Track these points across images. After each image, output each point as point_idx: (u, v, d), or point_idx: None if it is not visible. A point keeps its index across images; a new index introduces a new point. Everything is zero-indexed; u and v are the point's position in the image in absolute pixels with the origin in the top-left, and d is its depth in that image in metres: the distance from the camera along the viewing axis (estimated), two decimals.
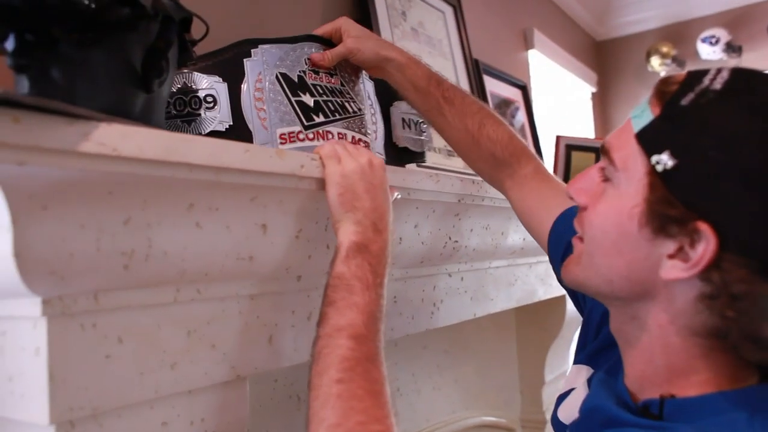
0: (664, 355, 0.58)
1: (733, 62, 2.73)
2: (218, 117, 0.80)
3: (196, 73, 0.80)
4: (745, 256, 0.51)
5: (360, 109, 0.90)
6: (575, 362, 0.79)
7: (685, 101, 0.53)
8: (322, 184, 0.69)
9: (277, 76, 0.82)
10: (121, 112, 0.61)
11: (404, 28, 1.38)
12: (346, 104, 0.88)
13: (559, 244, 0.83)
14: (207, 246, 0.62)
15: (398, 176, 0.79)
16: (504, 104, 1.85)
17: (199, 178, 0.57)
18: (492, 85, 1.72)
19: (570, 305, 1.66)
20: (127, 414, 0.58)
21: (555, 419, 0.76)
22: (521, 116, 1.91)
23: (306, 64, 0.86)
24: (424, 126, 1.06)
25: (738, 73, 0.53)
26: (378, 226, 0.69)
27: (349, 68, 0.93)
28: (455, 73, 1.54)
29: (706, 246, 0.51)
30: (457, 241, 1.02)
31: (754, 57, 2.69)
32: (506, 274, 1.29)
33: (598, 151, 1.47)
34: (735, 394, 0.55)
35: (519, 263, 1.34)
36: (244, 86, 0.81)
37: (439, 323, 1.04)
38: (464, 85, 1.57)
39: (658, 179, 0.53)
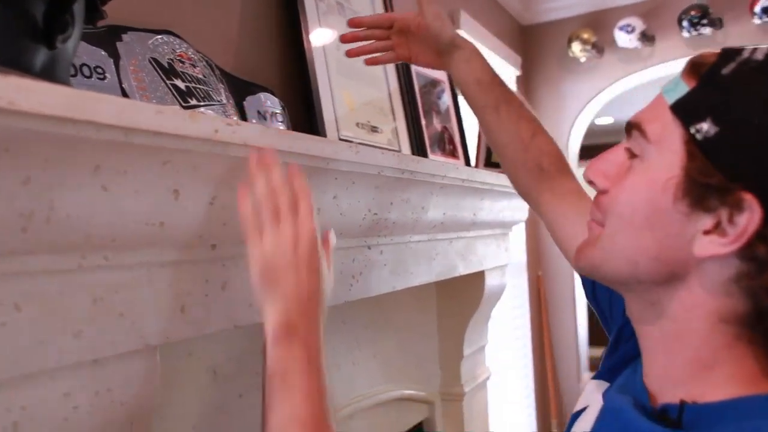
0: (686, 346, 0.54)
1: (647, 50, 2.86)
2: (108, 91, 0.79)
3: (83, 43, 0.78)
4: None
5: (221, 99, 0.92)
6: (594, 377, 0.74)
7: (726, 70, 0.51)
8: (237, 149, 0.68)
9: (149, 60, 0.82)
10: (20, 67, 0.58)
11: (329, 1, 1.37)
12: (211, 93, 0.90)
13: None
14: (114, 211, 0.59)
15: (317, 146, 0.79)
16: (431, 85, 1.86)
17: (107, 138, 0.54)
18: None
19: (489, 279, 1.72)
20: (26, 384, 0.56)
21: None
22: (446, 98, 1.93)
23: (172, 53, 0.88)
24: (280, 118, 1.07)
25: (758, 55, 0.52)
26: (303, 304, 0.65)
27: (207, 64, 0.96)
28: None
29: (749, 217, 0.48)
30: (376, 214, 1.03)
31: (665, 47, 2.82)
32: (426, 248, 1.31)
33: None
34: (760, 400, 0.51)
35: (439, 238, 1.37)
36: (122, 65, 0.80)
37: (357, 295, 1.05)
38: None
39: (697, 148, 0.51)
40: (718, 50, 0.54)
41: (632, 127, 0.57)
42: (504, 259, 1.80)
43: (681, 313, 0.54)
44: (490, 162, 1.86)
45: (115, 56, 0.79)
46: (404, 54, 1.00)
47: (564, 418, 3.16)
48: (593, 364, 3.45)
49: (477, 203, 1.45)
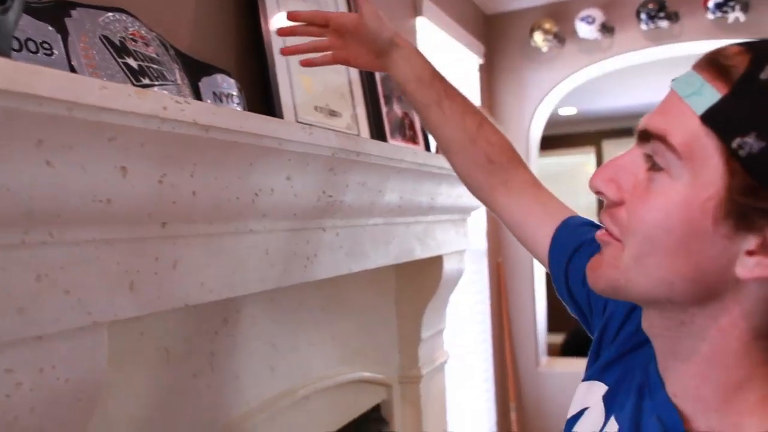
0: (720, 366, 0.52)
1: (607, 41, 2.92)
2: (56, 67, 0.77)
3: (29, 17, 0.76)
4: None
5: (175, 80, 0.92)
6: (585, 379, 0.72)
7: (765, 75, 0.46)
8: (187, 127, 0.68)
9: (100, 38, 0.82)
10: None
11: None
12: (165, 72, 0.90)
13: (563, 253, 0.80)
14: (59, 186, 0.59)
15: (268, 125, 0.79)
16: None
17: (49, 112, 0.54)
18: None
19: (447, 264, 1.74)
20: None
21: None
22: None
23: (124, 30, 0.87)
24: (237, 100, 1.07)
25: None
26: None
27: (161, 44, 0.95)
28: None
29: None
30: (331, 196, 1.04)
31: (625, 38, 2.88)
32: (383, 231, 1.32)
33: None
34: None
35: (397, 222, 1.38)
36: (71, 41, 0.79)
37: (312, 277, 1.06)
38: None
39: (740, 165, 0.46)
40: (738, 46, 0.49)
41: (652, 137, 0.51)
42: (462, 245, 1.83)
43: (715, 333, 0.52)
44: None
45: (64, 32, 0.78)
46: (341, 56, 0.97)
47: (523, 401, 3.23)
48: (551, 350, 3.54)
49: (434, 188, 1.47)
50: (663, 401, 0.57)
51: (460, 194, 1.66)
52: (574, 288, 0.81)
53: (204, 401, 1.05)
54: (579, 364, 3.55)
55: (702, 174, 0.48)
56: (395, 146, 1.16)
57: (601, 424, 0.65)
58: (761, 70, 0.46)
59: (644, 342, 0.65)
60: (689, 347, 0.53)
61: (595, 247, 0.66)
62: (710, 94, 0.48)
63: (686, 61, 3.53)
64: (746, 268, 0.48)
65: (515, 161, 0.91)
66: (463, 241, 1.83)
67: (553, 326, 5.69)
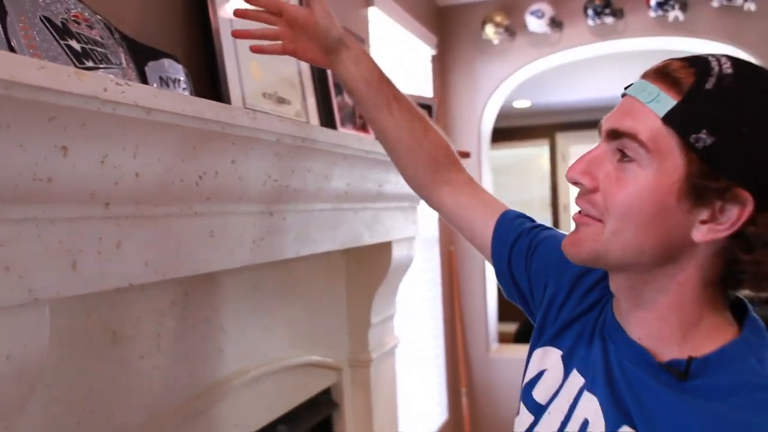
0: (678, 311, 0.66)
1: (556, 36, 3.00)
2: None
3: None
4: (764, 206, 0.60)
5: (120, 63, 0.93)
6: (536, 347, 0.82)
7: (709, 85, 0.60)
8: (128, 109, 0.70)
9: (40, 19, 0.82)
10: None
11: None
12: (109, 55, 0.90)
13: (505, 242, 0.90)
14: None
15: (210, 109, 0.81)
16: None
17: None
18: None
19: (396, 250, 1.78)
20: None
21: (530, 402, 0.79)
22: None
23: (66, 12, 0.87)
24: (183, 85, 1.09)
25: (737, 59, 0.63)
26: None
27: (106, 26, 0.95)
28: None
29: (743, 208, 0.60)
30: (277, 181, 1.06)
31: (572, 33, 2.97)
32: (331, 217, 1.35)
33: (430, 108, 1.63)
34: (738, 343, 0.64)
35: (344, 208, 1.41)
36: (9, 21, 0.79)
37: (258, 259, 1.09)
38: None
39: (696, 156, 0.60)
40: (680, 61, 0.63)
41: (622, 135, 0.63)
42: (411, 232, 1.87)
43: (675, 287, 0.66)
44: None
45: (2, 12, 0.78)
46: (290, 47, 0.99)
47: (474, 387, 3.31)
48: (505, 340, 3.63)
49: (382, 175, 1.50)
50: (628, 343, 0.70)
51: None
52: (517, 272, 0.90)
53: (152, 383, 1.07)
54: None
55: (666, 163, 0.62)
56: (341, 133, 1.19)
57: (561, 381, 0.76)
58: (706, 82, 0.60)
59: (590, 308, 0.79)
60: (651, 299, 0.68)
61: (533, 236, 0.89)
62: (666, 101, 0.61)
63: (631, 56, 3.65)
64: (700, 233, 0.62)
65: (456, 162, 0.99)
66: (412, 228, 1.88)
67: (506, 316, 5.82)
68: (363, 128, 1.88)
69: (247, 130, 0.90)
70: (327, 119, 1.65)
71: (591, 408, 0.71)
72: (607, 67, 4.34)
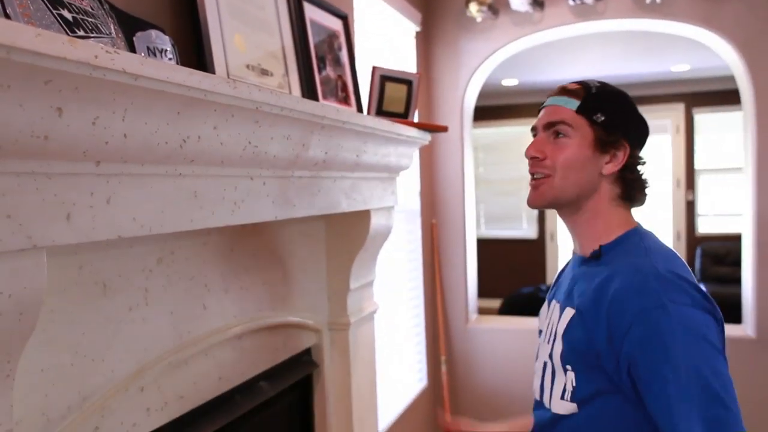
0: (599, 220, 1.11)
1: (538, 15, 3.06)
2: None
3: None
4: (635, 147, 1.11)
5: (110, 33, 0.99)
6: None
7: (594, 90, 1.11)
8: (117, 75, 0.77)
9: None
10: None
11: None
12: (99, 25, 0.97)
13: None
14: None
15: (192, 78, 0.88)
16: (330, 37, 1.96)
17: None
18: (312, 12, 1.82)
19: (375, 219, 1.87)
20: None
21: (539, 333, 1.23)
22: (344, 50, 2.03)
23: None
24: (170, 55, 1.16)
25: (601, 82, 1.14)
26: None
27: None
28: None
29: (624, 150, 1.09)
30: (257, 147, 1.14)
31: (553, 13, 3.03)
32: (309, 184, 1.43)
33: (410, 83, 1.81)
34: (631, 231, 1.10)
35: (323, 176, 1.49)
36: None
37: (239, 220, 1.17)
38: (283, 10, 1.65)
39: (598, 126, 1.08)
40: (575, 83, 1.14)
41: (557, 123, 1.09)
42: (390, 202, 1.95)
43: (594, 205, 1.11)
44: (381, 110, 1.98)
45: None
46: None
47: (453, 356, 3.43)
48: (484, 313, 3.74)
49: (360, 145, 1.58)
50: (576, 258, 1.17)
51: (387, 154, 1.78)
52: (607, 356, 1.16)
53: (139, 332, 1.15)
54: (506, 321, 3.77)
55: (582, 133, 1.09)
56: (318, 103, 1.26)
57: (547, 310, 1.22)
58: (590, 90, 1.12)
59: (560, 273, 1.29)
60: (584, 219, 1.12)
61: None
62: (573, 102, 1.10)
63: (614, 36, 3.71)
64: (606, 168, 1.10)
65: None
66: (390, 198, 1.96)
67: (489, 292, 5.96)
68: (345, 101, 1.95)
69: (227, 98, 0.98)
70: (309, 92, 1.72)
71: (556, 310, 1.15)
72: (592, 46, 4.41)
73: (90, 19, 0.98)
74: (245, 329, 1.47)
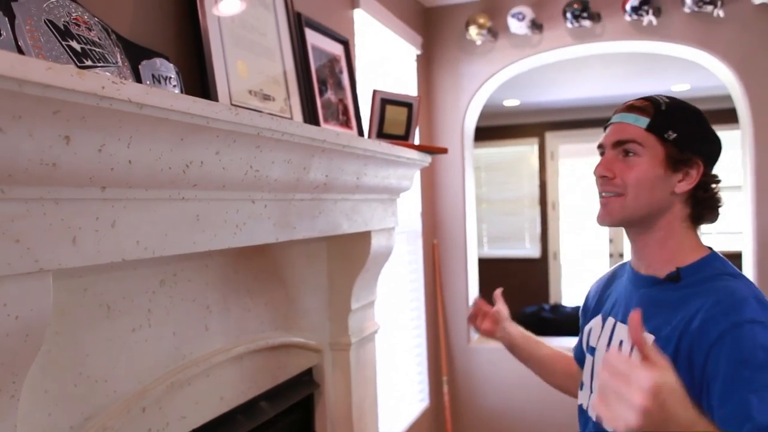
0: (671, 240, 1.10)
1: (537, 37, 3.11)
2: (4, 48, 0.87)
3: None
4: (708, 165, 1.09)
5: (116, 62, 1.03)
6: (582, 328, 1.33)
7: (664, 107, 1.09)
8: (122, 104, 0.80)
9: (45, 22, 0.91)
10: None
11: None
12: (107, 55, 1.00)
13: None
14: (10, 150, 0.70)
15: (196, 105, 0.91)
16: (331, 61, 2.00)
17: (3, 87, 0.65)
18: (313, 38, 1.86)
19: (376, 240, 1.89)
20: None
21: (588, 348, 1.25)
22: (345, 74, 2.07)
23: (68, 15, 0.97)
24: (174, 82, 1.19)
25: (670, 97, 1.11)
26: None
27: (103, 28, 1.05)
28: (276, 24, 1.65)
29: (698, 168, 1.08)
30: (258, 171, 1.17)
31: (552, 35, 3.08)
32: (310, 206, 1.46)
33: (411, 106, 1.89)
34: (709, 255, 1.09)
35: (324, 198, 1.52)
36: (17, 24, 0.89)
37: (240, 243, 1.19)
38: (284, 36, 1.69)
39: (669, 144, 1.06)
40: (643, 99, 1.12)
41: (626, 142, 1.09)
42: (391, 223, 1.98)
43: (666, 224, 1.10)
44: (382, 133, 2.02)
45: (11, 15, 0.88)
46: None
47: (454, 376, 3.43)
48: None
49: (360, 168, 1.61)
50: (639, 278, 1.15)
51: (387, 176, 1.81)
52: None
53: (142, 353, 1.17)
54: None
55: (653, 151, 1.08)
56: (318, 128, 1.29)
57: (601, 326, 1.22)
58: (660, 107, 1.09)
59: (605, 291, 1.31)
60: (656, 237, 1.11)
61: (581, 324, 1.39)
62: (643, 120, 1.08)
63: (614, 58, 3.76)
64: (679, 187, 1.08)
65: (571, 362, 1.46)
66: (391, 219, 1.98)
67: None
68: (346, 124, 1.99)
69: (229, 125, 1.01)
70: (311, 116, 1.76)
71: (624, 332, 1.13)
72: (593, 66, 4.46)
73: (97, 50, 1.02)
74: (247, 350, 1.49)
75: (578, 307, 4.31)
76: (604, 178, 1.10)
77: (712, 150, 1.11)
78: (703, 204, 1.10)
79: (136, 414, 1.14)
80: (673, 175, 1.07)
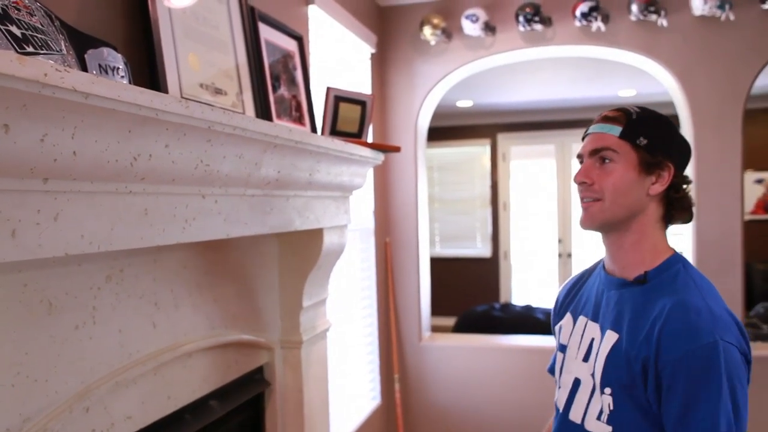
0: (646, 241, 1.17)
1: (490, 40, 3.15)
2: None
3: None
4: (678, 167, 1.17)
5: (60, 50, 0.99)
6: (554, 326, 1.38)
7: (635, 116, 1.16)
8: (66, 93, 0.77)
9: None
10: None
11: None
12: (50, 42, 0.97)
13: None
14: None
15: (143, 96, 0.89)
16: (285, 57, 1.98)
17: None
18: (266, 33, 1.84)
19: (328, 237, 1.88)
20: None
21: (559, 346, 1.31)
22: (299, 71, 2.06)
23: None
24: (122, 73, 1.17)
25: (640, 106, 1.19)
26: None
27: (46, 14, 1.01)
28: (229, 18, 1.63)
29: (669, 171, 1.15)
30: (208, 165, 1.15)
31: (504, 38, 3.13)
32: (261, 202, 1.44)
33: (364, 103, 1.90)
34: (674, 256, 1.17)
35: (275, 194, 1.51)
36: None
37: (190, 238, 1.17)
38: (237, 30, 1.67)
39: (641, 150, 1.14)
40: (615, 110, 1.19)
41: (602, 149, 1.16)
42: (343, 220, 1.97)
43: (641, 226, 1.16)
44: (335, 130, 2.01)
45: None
46: None
47: (406, 374, 3.45)
48: (437, 331, 3.77)
49: (313, 165, 1.60)
50: (611, 280, 1.21)
51: (339, 173, 1.81)
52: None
53: (85, 351, 1.14)
54: (459, 339, 3.82)
55: (627, 157, 1.15)
56: (270, 123, 1.28)
57: (572, 325, 1.29)
58: (631, 115, 1.17)
59: (577, 290, 1.35)
60: (629, 240, 1.18)
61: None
62: (616, 129, 1.16)
63: (564, 62, 3.85)
64: (652, 189, 1.15)
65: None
66: (343, 217, 1.98)
67: (444, 310, 6.01)
68: (299, 120, 1.97)
69: (179, 117, 0.99)
70: (263, 111, 1.74)
71: (594, 330, 1.21)
72: (544, 70, 4.55)
73: (40, 36, 0.98)
74: (196, 347, 1.46)
75: (528, 306, 4.40)
76: (584, 184, 1.18)
77: (681, 153, 1.19)
78: (675, 204, 1.17)
79: (79, 414, 1.11)
80: (646, 178, 1.14)
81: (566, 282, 1.42)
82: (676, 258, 1.17)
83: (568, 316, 1.31)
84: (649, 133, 1.14)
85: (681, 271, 1.14)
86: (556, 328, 1.35)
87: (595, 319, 1.22)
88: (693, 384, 1.02)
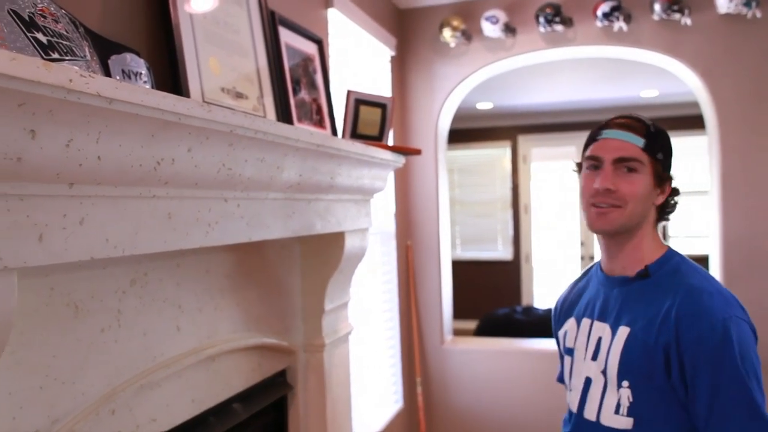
0: (644, 242, 1.24)
1: (510, 41, 3.13)
2: None
3: None
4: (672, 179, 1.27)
5: (84, 56, 1.00)
6: (557, 332, 1.42)
7: (653, 129, 1.22)
8: (91, 98, 0.78)
9: (9, 12, 0.89)
10: None
11: None
12: (74, 48, 0.98)
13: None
14: None
15: (169, 101, 0.90)
16: (305, 61, 1.99)
17: None
18: (287, 36, 1.85)
19: (349, 241, 1.88)
20: None
21: (565, 350, 1.34)
22: (319, 74, 2.06)
23: (33, 6, 0.94)
24: (145, 78, 1.18)
25: (652, 121, 1.24)
26: None
27: (71, 21, 1.02)
28: (249, 22, 1.64)
29: (669, 183, 1.25)
30: (231, 169, 1.15)
31: (525, 39, 3.11)
32: (284, 206, 1.44)
33: (385, 106, 1.91)
34: (669, 254, 1.24)
35: (297, 198, 1.51)
36: None
37: (213, 242, 1.17)
38: (258, 34, 1.68)
39: (658, 164, 1.21)
40: (633, 119, 1.23)
41: (628, 159, 1.19)
42: (365, 223, 1.97)
43: (642, 230, 1.23)
44: (355, 134, 2.01)
45: None
46: None
47: (428, 377, 3.44)
48: (459, 335, 3.75)
49: (334, 168, 1.60)
50: (612, 280, 1.27)
51: (360, 176, 1.81)
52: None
53: (111, 354, 1.15)
54: (481, 342, 3.79)
55: (647, 169, 1.20)
56: (292, 127, 1.28)
57: (577, 329, 1.32)
58: (649, 128, 1.22)
59: (577, 296, 1.39)
60: (634, 241, 1.24)
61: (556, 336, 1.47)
62: (638, 140, 1.20)
63: (585, 63, 3.81)
64: (658, 199, 1.24)
65: None
66: (365, 220, 1.98)
67: (465, 313, 5.98)
68: (320, 124, 1.98)
69: (201, 121, 0.99)
70: (284, 114, 1.74)
71: (601, 329, 1.24)
72: (565, 71, 4.51)
73: (65, 42, 0.99)
74: (219, 351, 1.47)
75: (550, 310, 4.38)
76: (608, 191, 1.20)
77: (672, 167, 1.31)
78: (665, 211, 1.28)
79: (105, 416, 1.12)
80: (656, 189, 1.23)
81: (563, 291, 1.46)
82: (672, 252, 1.25)
83: (571, 321, 1.35)
84: (663, 149, 1.22)
85: (680, 262, 1.22)
86: (560, 334, 1.38)
87: (601, 318, 1.26)
88: (716, 361, 1.09)
